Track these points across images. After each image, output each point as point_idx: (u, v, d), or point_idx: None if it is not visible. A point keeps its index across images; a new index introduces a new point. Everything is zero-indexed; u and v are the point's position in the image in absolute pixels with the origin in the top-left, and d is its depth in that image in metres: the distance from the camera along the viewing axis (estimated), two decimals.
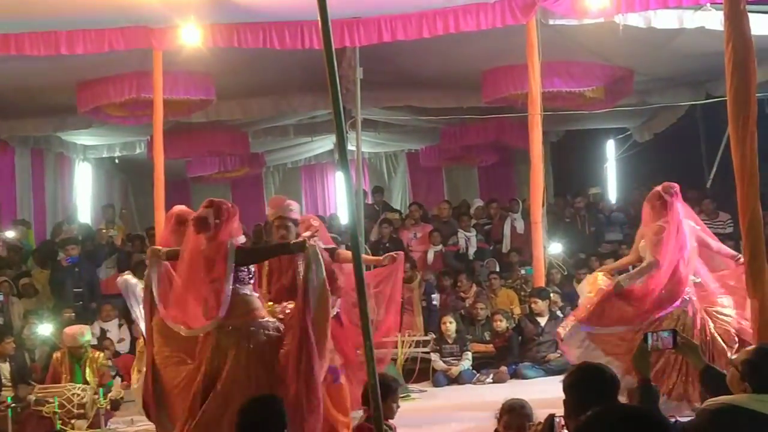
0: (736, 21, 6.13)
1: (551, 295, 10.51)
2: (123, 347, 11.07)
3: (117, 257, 12.79)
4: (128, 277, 7.65)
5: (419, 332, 10.72)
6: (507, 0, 9.56)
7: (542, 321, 10.34)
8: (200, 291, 6.14)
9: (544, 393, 7.29)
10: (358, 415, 6.26)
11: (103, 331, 11.06)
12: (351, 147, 10.86)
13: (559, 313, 10.36)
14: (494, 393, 8.61)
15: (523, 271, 11.97)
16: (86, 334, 8.92)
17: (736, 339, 7.23)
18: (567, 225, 13.69)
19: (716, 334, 7.30)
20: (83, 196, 16.55)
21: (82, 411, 8.11)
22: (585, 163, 17.36)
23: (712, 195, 13.42)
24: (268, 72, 11.57)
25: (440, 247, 12.75)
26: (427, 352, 10.28)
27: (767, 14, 9.63)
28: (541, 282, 10.24)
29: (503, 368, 10.00)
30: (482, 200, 15.37)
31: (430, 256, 12.58)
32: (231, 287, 6.03)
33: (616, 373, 3.99)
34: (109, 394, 8.38)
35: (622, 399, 4.26)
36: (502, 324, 10.42)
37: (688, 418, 3.93)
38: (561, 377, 4.11)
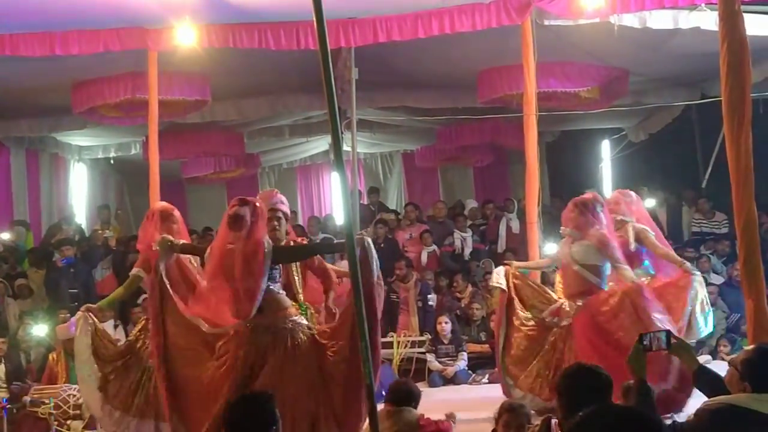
0: (731, 21, 6.15)
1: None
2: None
3: (112, 258, 12.77)
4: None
5: (415, 332, 10.73)
6: (502, 0, 9.56)
7: None
8: (229, 289, 6.01)
9: None
10: None
11: None
12: (346, 147, 10.86)
13: None
14: (490, 393, 8.62)
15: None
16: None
17: None
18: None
19: None
20: (78, 197, 16.52)
21: (77, 412, 8.10)
22: (580, 163, 17.37)
23: (707, 195, 13.46)
24: (264, 72, 11.56)
25: (433, 247, 12.75)
26: (423, 353, 10.29)
27: (762, 14, 9.65)
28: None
29: None
30: (477, 200, 15.38)
31: (424, 256, 12.59)
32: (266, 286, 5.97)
33: (608, 374, 4.00)
34: None
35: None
36: None
37: (685, 418, 3.93)
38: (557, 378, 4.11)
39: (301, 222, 15.04)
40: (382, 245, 11.84)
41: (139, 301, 11.66)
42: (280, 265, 6.22)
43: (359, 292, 4.95)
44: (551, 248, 11.88)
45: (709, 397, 3.89)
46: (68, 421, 8.04)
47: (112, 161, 16.80)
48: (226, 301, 6.03)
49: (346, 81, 10.59)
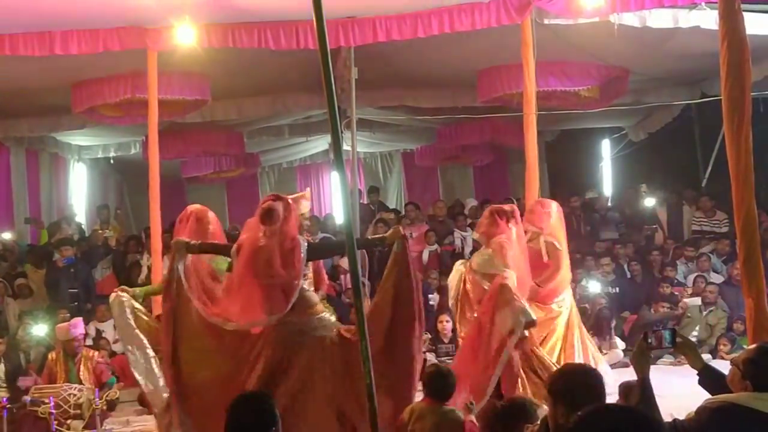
0: (731, 20, 6.14)
1: None
2: (119, 347, 11.04)
3: (112, 258, 12.76)
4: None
5: None
6: None
7: None
8: (260, 285, 5.95)
9: None
10: None
11: (99, 332, 11.04)
12: (346, 147, 10.85)
13: None
14: None
15: None
16: (79, 326, 8.89)
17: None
18: None
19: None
20: (78, 197, 16.52)
21: (78, 411, 8.09)
22: (580, 162, 17.39)
23: (707, 194, 13.47)
24: (263, 72, 11.56)
25: (435, 246, 12.75)
26: (423, 352, 10.26)
27: (762, 13, 9.65)
28: None
29: None
30: (477, 200, 15.38)
31: (425, 256, 12.58)
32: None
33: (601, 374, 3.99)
34: (105, 395, 8.36)
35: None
36: None
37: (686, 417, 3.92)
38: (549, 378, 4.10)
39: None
40: None
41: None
42: (310, 262, 6.16)
43: (359, 292, 4.94)
44: None
45: (713, 395, 3.89)
46: (68, 421, 8.03)
47: (111, 161, 16.81)
48: (258, 297, 5.95)
49: (346, 80, 10.59)
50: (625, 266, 12.36)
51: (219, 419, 5.76)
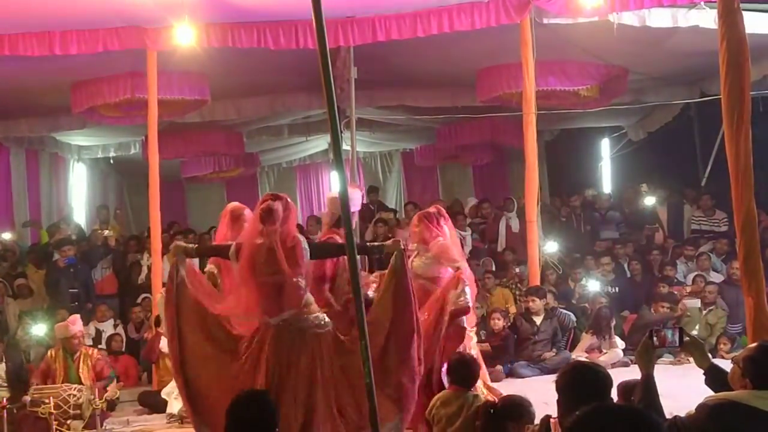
0: (730, 19, 6.15)
1: (546, 294, 10.55)
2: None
3: (112, 258, 12.77)
4: None
5: None
6: None
7: (538, 320, 10.36)
8: (257, 285, 5.92)
9: (540, 392, 7.29)
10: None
11: (99, 332, 11.05)
12: (345, 147, 10.86)
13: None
14: None
15: (517, 270, 12.00)
16: (77, 323, 8.88)
17: None
18: (562, 224, 13.72)
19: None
20: (78, 197, 16.53)
21: (78, 411, 8.08)
22: (580, 161, 17.39)
23: (707, 193, 13.47)
24: (263, 72, 11.56)
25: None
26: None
27: (761, 12, 9.65)
28: (537, 281, 10.26)
29: (499, 367, 9.97)
30: (477, 199, 15.38)
31: None
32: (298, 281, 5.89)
33: (608, 373, 3.99)
34: (105, 395, 8.36)
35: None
36: (499, 323, 10.37)
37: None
38: (556, 376, 4.11)
39: (300, 221, 15.04)
40: None
41: (139, 300, 11.70)
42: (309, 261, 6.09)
43: (359, 291, 4.93)
44: (551, 246, 11.95)
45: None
46: (68, 421, 8.02)
47: (111, 161, 16.81)
48: (256, 297, 5.94)
49: (346, 80, 10.59)
50: (625, 266, 12.37)
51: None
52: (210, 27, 9.69)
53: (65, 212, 15.39)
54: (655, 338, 4.04)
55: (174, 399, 8.57)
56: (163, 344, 9.20)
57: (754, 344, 4.11)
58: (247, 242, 6.01)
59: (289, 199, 6.09)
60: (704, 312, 11.04)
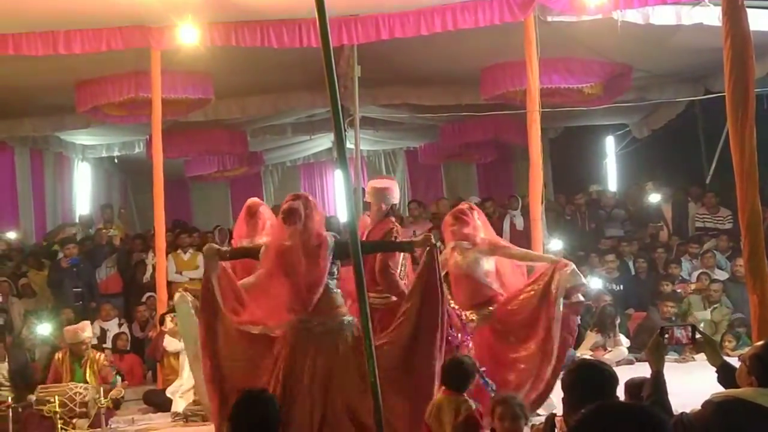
0: (735, 16, 6.14)
1: None
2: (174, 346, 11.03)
3: (116, 257, 12.79)
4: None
5: None
6: None
7: None
8: (288, 286, 5.92)
9: None
10: None
11: (104, 331, 11.07)
12: (349, 145, 10.85)
13: None
14: None
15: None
16: (87, 330, 8.90)
17: None
18: (567, 222, 13.71)
19: None
20: (82, 196, 16.55)
21: (83, 410, 8.11)
22: (584, 159, 17.37)
23: (711, 191, 13.45)
24: (267, 71, 11.56)
25: (439, 244, 12.70)
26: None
27: (765, 9, 9.63)
28: None
29: None
30: (481, 197, 15.36)
31: None
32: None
33: (613, 370, 4.00)
34: (110, 393, 8.38)
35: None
36: None
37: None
38: (561, 374, 4.11)
39: None
40: None
41: (144, 299, 11.72)
42: (339, 261, 6.06)
43: (363, 291, 4.94)
44: (556, 244, 11.93)
45: None
46: (74, 420, 8.04)
47: (115, 160, 16.83)
48: (284, 297, 5.93)
49: (349, 78, 10.58)
50: (630, 263, 12.35)
51: None
52: (214, 26, 9.69)
53: (73, 213, 15.45)
54: (666, 336, 4.04)
55: (179, 398, 8.60)
56: (167, 342, 9.23)
57: (761, 342, 4.11)
58: (274, 244, 6.01)
59: (310, 197, 6.07)
60: (709, 309, 11.02)
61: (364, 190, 12.29)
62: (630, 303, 11.69)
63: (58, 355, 8.83)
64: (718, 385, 4.18)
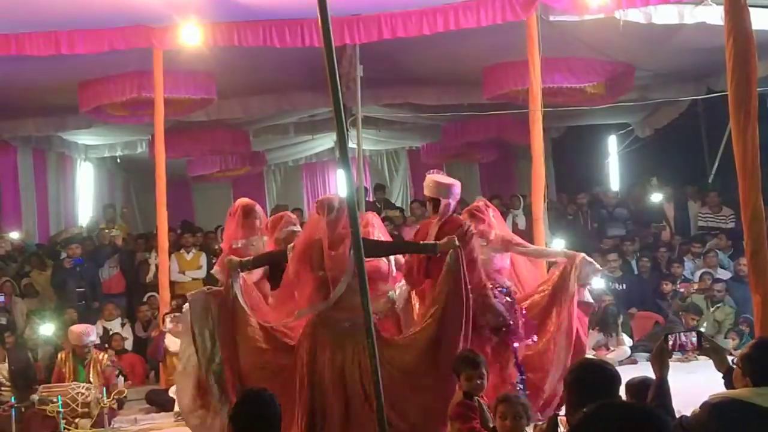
0: (737, 16, 6.13)
1: None
2: (126, 346, 11.08)
3: (119, 257, 12.80)
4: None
5: None
6: None
7: None
8: (310, 279, 5.97)
9: None
10: None
11: (106, 331, 11.08)
12: (352, 145, 10.87)
13: None
14: None
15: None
16: (92, 334, 8.91)
17: None
18: (569, 221, 13.70)
19: None
20: (85, 196, 16.56)
21: (86, 410, 8.12)
22: (586, 159, 17.34)
23: (714, 190, 13.44)
24: (269, 70, 11.57)
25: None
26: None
27: None
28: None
29: None
30: (483, 197, 15.34)
31: None
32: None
33: (616, 370, 4.00)
34: (113, 393, 8.38)
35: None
36: None
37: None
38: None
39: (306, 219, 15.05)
40: None
41: (145, 299, 11.73)
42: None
43: (365, 289, 4.94)
44: (558, 244, 11.90)
45: None
46: (76, 420, 8.06)
47: (118, 160, 16.86)
48: (308, 290, 5.98)
49: (351, 78, 10.59)
50: (633, 263, 12.34)
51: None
52: (216, 26, 9.70)
53: (74, 215, 15.46)
54: (670, 342, 4.04)
55: None
56: (169, 342, 9.23)
57: (751, 342, 4.12)
58: (303, 238, 6.11)
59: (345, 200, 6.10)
60: (712, 309, 11.02)
61: (366, 189, 12.34)
62: (632, 302, 11.68)
63: (61, 355, 8.84)
64: (722, 384, 4.18)
